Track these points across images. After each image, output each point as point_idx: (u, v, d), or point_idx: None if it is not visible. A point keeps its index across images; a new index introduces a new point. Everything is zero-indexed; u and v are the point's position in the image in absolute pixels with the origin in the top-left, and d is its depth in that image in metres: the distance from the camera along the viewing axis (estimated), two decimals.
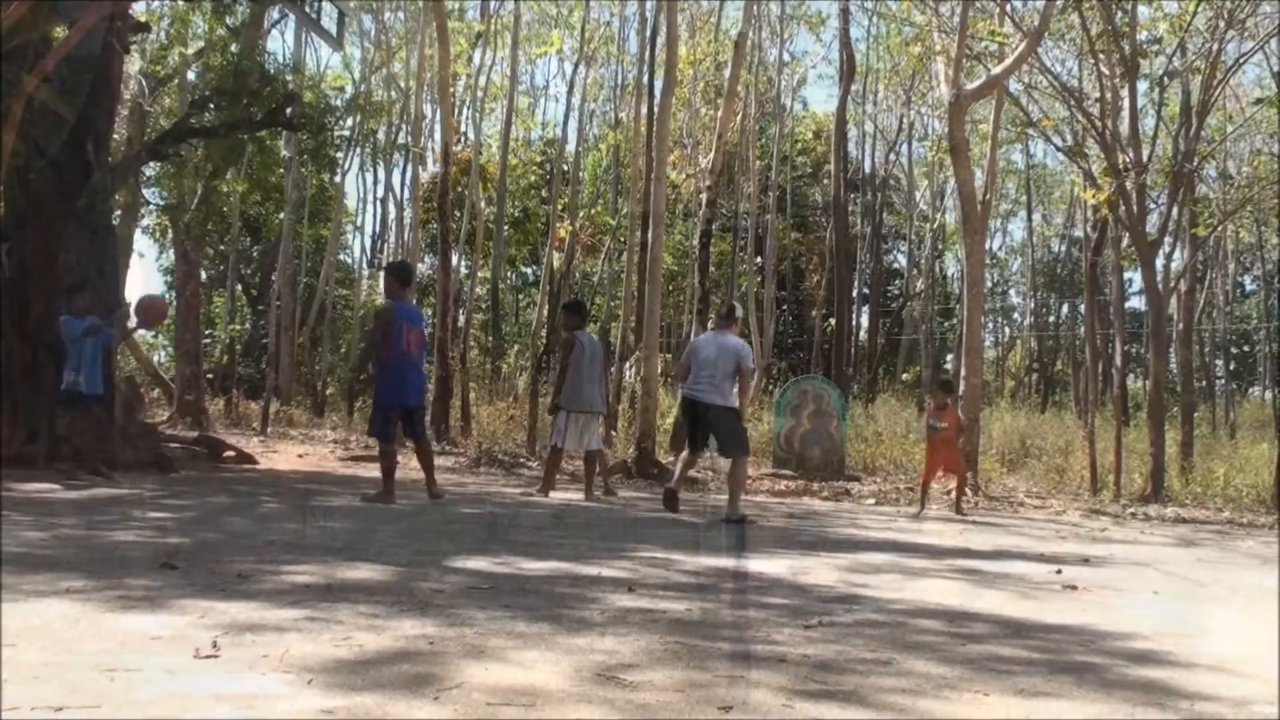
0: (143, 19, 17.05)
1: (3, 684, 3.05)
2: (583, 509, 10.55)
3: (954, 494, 13.13)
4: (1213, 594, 6.59)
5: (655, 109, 18.45)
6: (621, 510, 10.83)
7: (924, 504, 12.67)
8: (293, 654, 3.55)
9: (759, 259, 36.04)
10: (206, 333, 29.45)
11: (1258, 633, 5.09)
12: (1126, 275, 26.60)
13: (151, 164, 19.09)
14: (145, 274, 78.92)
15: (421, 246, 34.20)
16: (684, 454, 10.50)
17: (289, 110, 15.94)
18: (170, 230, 25.51)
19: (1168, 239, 19.77)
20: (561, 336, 12.43)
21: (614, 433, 21.38)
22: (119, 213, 20.29)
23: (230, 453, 15.06)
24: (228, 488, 10.88)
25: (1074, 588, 6.26)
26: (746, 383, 10.05)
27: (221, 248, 32.67)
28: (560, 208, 30.91)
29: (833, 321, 32.50)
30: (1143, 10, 17.90)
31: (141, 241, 30.02)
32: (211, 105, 16.34)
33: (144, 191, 21.78)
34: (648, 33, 25.39)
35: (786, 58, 37.38)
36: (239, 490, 10.56)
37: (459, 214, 28.89)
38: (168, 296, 27.77)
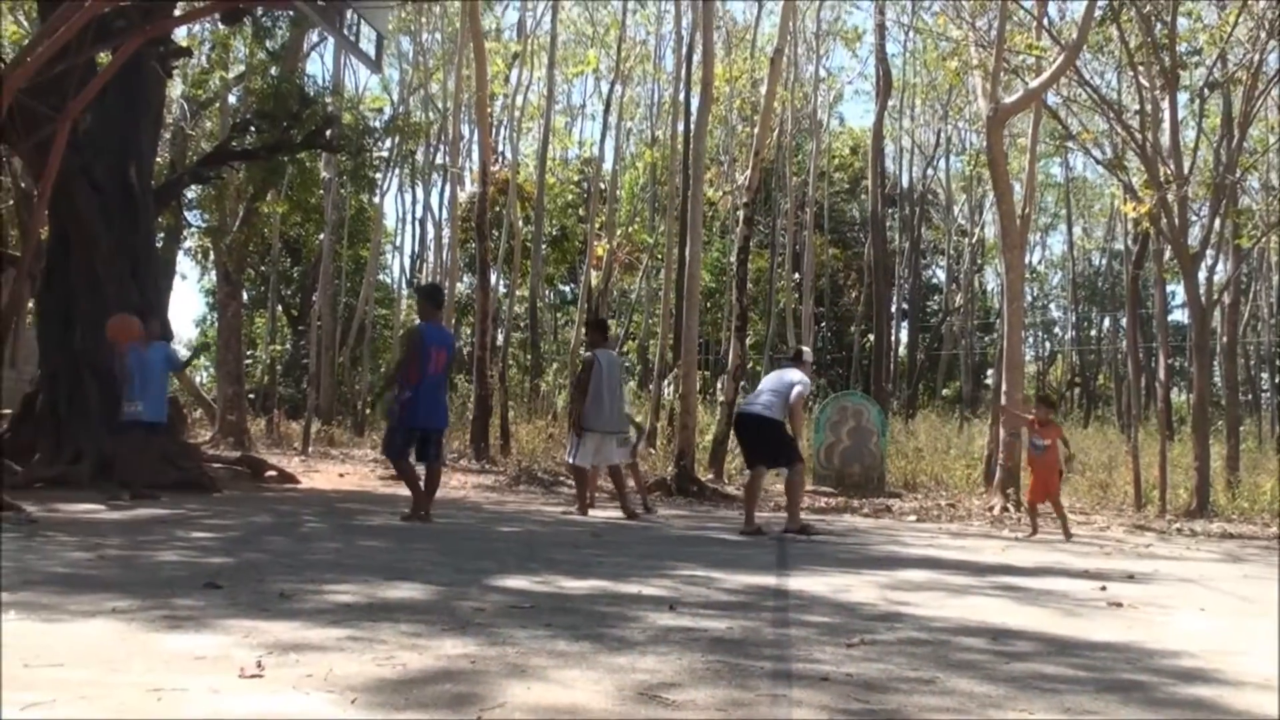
0: (184, 44, 17.31)
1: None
2: (621, 527, 10.55)
3: (1056, 519, 11.90)
4: (1260, 610, 6.50)
5: (692, 126, 18.50)
6: (661, 528, 10.82)
7: (1035, 527, 11.91)
8: (336, 673, 3.56)
9: (797, 275, 35.98)
10: (248, 353, 29.77)
11: None
12: (1169, 288, 26.44)
13: (193, 187, 19.32)
14: (188, 296, 79.65)
15: (460, 266, 34.42)
16: (748, 483, 10.79)
17: (328, 132, 16.10)
18: (212, 252, 25.75)
19: (1210, 251, 19.58)
20: (583, 355, 12.41)
21: (653, 450, 21.39)
22: (162, 235, 20.52)
23: (272, 472, 15.18)
24: (270, 507, 10.96)
25: (1119, 605, 6.20)
26: (794, 411, 10.14)
27: (262, 269, 33.01)
28: (598, 226, 31.01)
29: (871, 337, 32.39)
30: (1182, 21, 17.78)
31: (184, 263, 30.33)
32: (252, 128, 16.55)
33: (186, 214, 22.02)
34: (684, 51, 25.51)
35: (823, 74, 37.43)
36: (281, 510, 10.64)
37: (497, 233, 29.06)
38: (210, 319, 27.94)
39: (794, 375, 10.31)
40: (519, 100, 33.43)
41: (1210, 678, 4.19)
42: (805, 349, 11.43)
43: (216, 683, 3.39)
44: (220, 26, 18.39)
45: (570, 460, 11.92)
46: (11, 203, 19.67)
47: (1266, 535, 13.57)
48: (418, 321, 10.74)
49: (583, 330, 27.98)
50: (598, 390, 11.55)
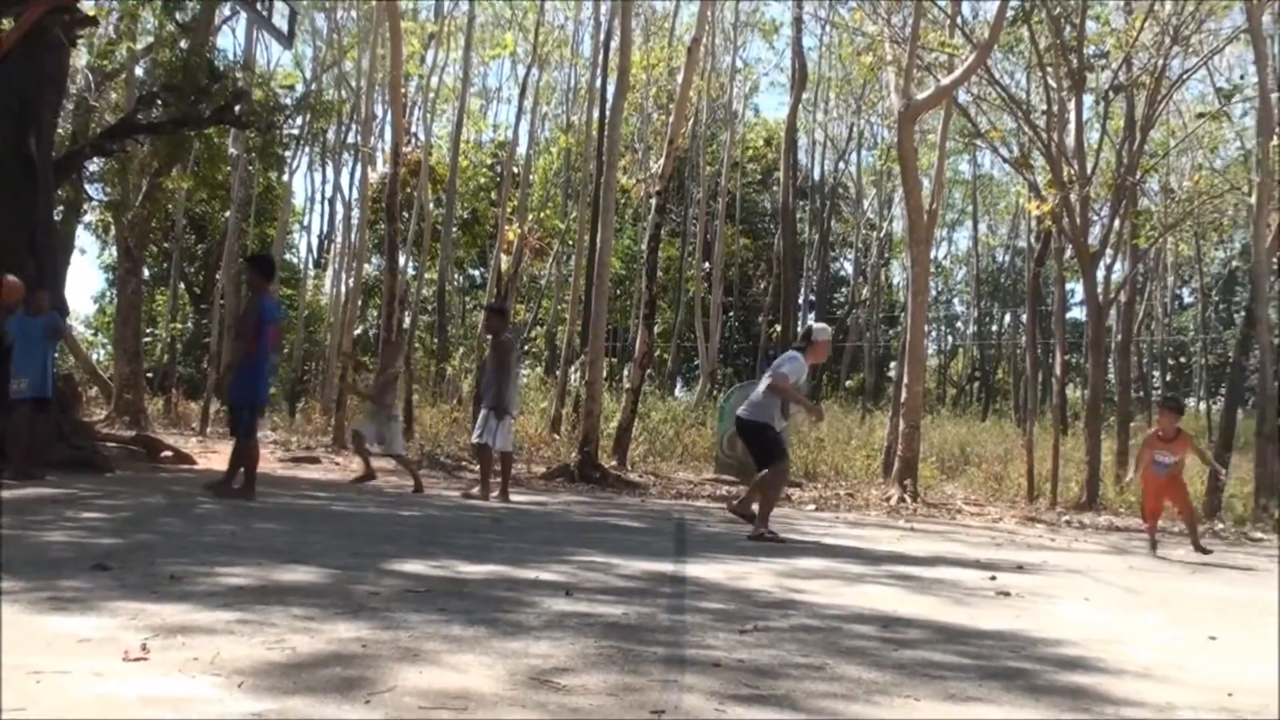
0: (91, 13, 16.85)
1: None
2: (523, 513, 10.54)
3: (1188, 533, 10.65)
4: (1143, 602, 6.68)
5: (607, 113, 18.46)
6: (563, 513, 10.82)
7: (1156, 548, 10.12)
8: (224, 656, 3.52)
9: (707, 264, 36.15)
10: (147, 331, 29.14)
11: (1185, 640, 5.17)
12: (1068, 286, 26.98)
13: (96, 159, 18.85)
14: (87, 271, 77.73)
15: (369, 247, 33.98)
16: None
17: (237, 108, 15.80)
18: (113, 227, 25.19)
19: (1109, 251, 20.04)
20: (499, 339, 12.07)
21: (557, 436, 21.39)
22: (61, 208, 20.02)
23: (168, 452, 14.89)
24: (164, 488, 10.76)
25: (1007, 594, 6.33)
26: (783, 395, 9.15)
27: (165, 245, 32.33)
28: (509, 210, 30.84)
29: (779, 328, 32.65)
30: (1091, 25, 18.16)
31: (83, 238, 29.65)
32: (159, 101, 16.18)
33: (87, 187, 21.49)
34: (602, 37, 25.48)
35: (739, 65, 37.57)
36: (176, 490, 10.45)
37: (407, 215, 28.78)
38: (109, 296, 27.37)
39: (780, 362, 9.55)
40: (434, 81, 33.10)
41: (1091, 666, 4.30)
42: (815, 326, 9.93)
43: (100, 665, 3.33)
44: None
45: (490, 444, 11.68)
46: None
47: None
48: (251, 294, 10.50)
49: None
50: (515, 373, 11.55)
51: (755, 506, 9.15)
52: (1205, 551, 10.10)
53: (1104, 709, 3.55)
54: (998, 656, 4.39)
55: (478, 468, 12.44)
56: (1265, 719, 3.60)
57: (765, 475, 9.08)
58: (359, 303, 28.56)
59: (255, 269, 10.60)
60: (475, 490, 11.86)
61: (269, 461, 16.01)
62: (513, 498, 11.91)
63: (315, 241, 42.42)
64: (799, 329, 35.37)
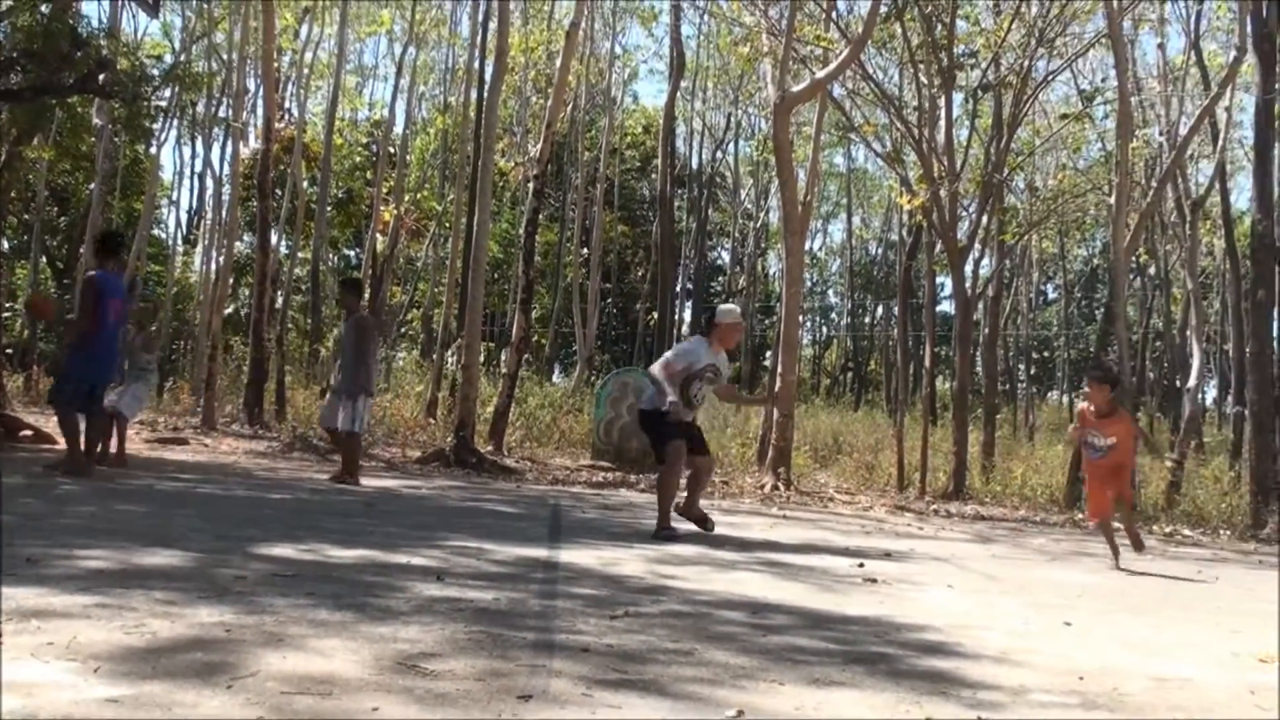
0: None
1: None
2: (396, 497, 10.43)
3: (1124, 528, 9.01)
4: (1003, 588, 6.87)
5: (485, 95, 18.31)
6: (437, 498, 10.74)
7: (1116, 553, 8.61)
8: (80, 641, 3.42)
9: (585, 250, 36.16)
10: (6, 305, 28.13)
11: (1041, 625, 5.34)
12: (939, 280, 27.57)
13: None
14: None
15: (241, 224, 33.26)
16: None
17: (101, 77, 15.30)
18: None
19: (977, 246, 20.52)
20: (358, 319, 11.69)
21: (433, 420, 21.20)
22: None
23: (27, 432, 14.39)
24: (22, 469, 10.41)
25: (874, 581, 6.46)
26: (660, 378, 8.42)
27: (26, 217, 31.24)
28: (385, 191, 30.43)
29: (656, 315, 32.81)
30: (961, 24, 18.55)
31: None
32: (18, 67, 15.58)
33: None
34: (480, 17, 25.23)
35: (618, 51, 37.62)
36: (34, 471, 10.11)
37: (280, 192, 28.21)
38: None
39: (676, 348, 9.04)
40: (308, 57, 32.44)
41: (951, 650, 4.42)
42: (720, 307, 9.01)
43: None
44: None
45: (352, 428, 11.40)
46: None
47: (1015, 517, 14.35)
48: (91, 272, 10.27)
49: (367, 296, 27.47)
50: (373, 353, 11.38)
51: (694, 504, 8.71)
52: (1141, 548, 8.84)
53: (961, 691, 3.65)
54: (862, 641, 4.49)
55: (342, 454, 12.04)
56: (1116, 708, 3.73)
57: (660, 472, 8.78)
58: (230, 281, 27.88)
59: (97, 244, 10.67)
60: (347, 478, 11.46)
61: (134, 442, 15.58)
62: (387, 482, 11.78)
63: (184, 217, 41.41)
64: (675, 316, 35.57)
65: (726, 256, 48.74)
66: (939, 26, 17.93)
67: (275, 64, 24.62)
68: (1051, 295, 51.27)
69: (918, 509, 14.47)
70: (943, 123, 18.56)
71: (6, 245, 29.18)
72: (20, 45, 16.41)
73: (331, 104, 28.84)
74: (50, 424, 16.41)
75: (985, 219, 19.48)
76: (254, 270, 21.84)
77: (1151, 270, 33.52)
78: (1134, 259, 19.21)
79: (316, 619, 4.05)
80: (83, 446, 9.73)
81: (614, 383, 18.91)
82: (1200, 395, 22.01)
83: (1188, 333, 23.05)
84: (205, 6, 30.63)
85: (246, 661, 3.32)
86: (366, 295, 12.34)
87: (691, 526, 8.59)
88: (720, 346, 8.72)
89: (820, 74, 17.14)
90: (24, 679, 2.99)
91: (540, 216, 21.36)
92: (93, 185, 27.85)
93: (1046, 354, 49.59)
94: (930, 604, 5.82)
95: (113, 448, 11.19)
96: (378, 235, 29.87)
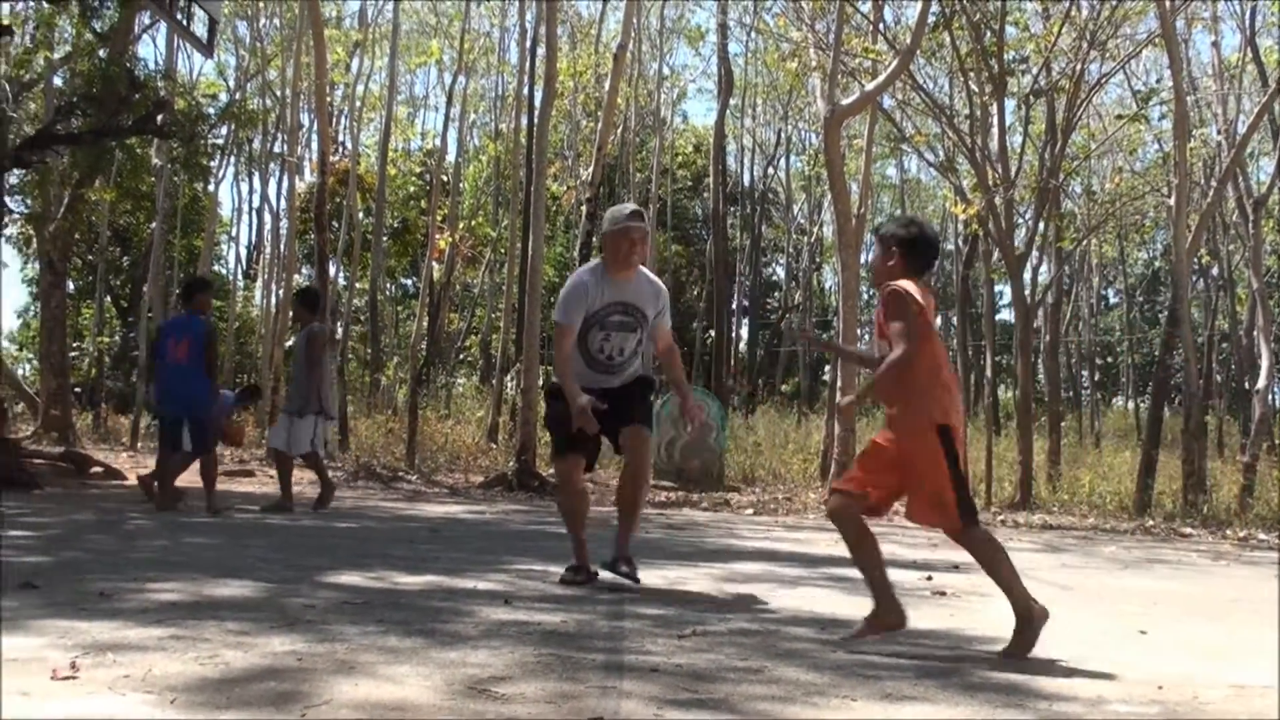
0: (5, 22, 16.55)
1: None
2: (459, 522, 10.48)
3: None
4: (1075, 598, 6.77)
5: (535, 120, 18.43)
6: (501, 523, 10.78)
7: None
8: (155, 673, 3.46)
9: None
10: (74, 345, 28.64)
11: (1116, 634, 5.25)
12: (997, 288, 27.32)
13: (15, 172, 18.50)
14: (10, 285, 76.30)
15: (298, 257, 33.67)
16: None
17: (159, 117, 15.59)
18: (35, 240, 24.75)
19: (1035, 253, 20.32)
20: (308, 329, 10.95)
21: (494, 445, 21.29)
22: None
23: (98, 468, 14.66)
24: (94, 504, 10.59)
25: (943, 593, 6.40)
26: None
27: (89, 258, 31.84)
28: (440, 219, 30.68)
29: (712, 333, 32.78)
30: (1010, 30, 18.42)
31: (5, 252, 29.15)
32: (78, 111, 15.92)
33: (7, 200, 21.09)
34: (528, 44, 25.42)
35: (666, 71, 37.68)
36: (105, 506, 10.28)
37: (337, 224, 28.57)
38: (33, 310, 26.93)
39: None
40: (360, 90, 32.86)
41: (1024, 662, 4.36)
42: (608, 212, 6.24)
43: (27, 685, 3.26)
44: (44, 5, 17.67)
45: (308, 449, 10.80)
46: None
47: (1084, 526, 14.16)
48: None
49: (424, 322, 27.68)
50: (328, 368, 10.84)
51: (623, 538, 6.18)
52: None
53: (1037, 703, 3.60)
54: (934, 655, 4.44)
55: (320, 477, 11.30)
56: (1198, 718, 3.66)
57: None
58: (290, 314, 28.26)
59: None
60: (320, 498, 10.96)
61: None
62: (450, 508, 11.83)
63: (244, 252, 41.92)
64: (732, 334, 35.49)
65: (781, 272, 48.62)
66: (988, 34, 17.83)
67: (328, 98, 24.93)
68: (1113, 300, 50.62)
69: (984, 520, 14.28)
70: (995, 130, 18.43)
71: (72, 286, 29.69)
72: (80, 90, 16.78)
73: (384, 135, 29.14)
74: (119, 460, 16.69)
75: (1042, 225, 19.30)
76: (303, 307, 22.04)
77: (1215, 271, 33.01)
78: (1196, 260, 18.95)
79: (387, 646, 4.07)
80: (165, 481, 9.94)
81: (673, 402, 18.86)
82: (1270, 396, 21.60)
83: (1255, 333, 22.64)
84: (258, 45, 31.12)
85: (319, 690, 3.34)
86: (320, 306, 11.87)
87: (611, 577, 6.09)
88: (621, 270, 5.95)
89: (870, 86, 17.09)
90: (102, 713, 3.03)
91: (594, 239, 21.41)
92: (154, 224, 28.32)
93: (1110, 360, 48.96)
94: (1001, 616, 5.71)
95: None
96: (434, 263, 30.08)
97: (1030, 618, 4.54)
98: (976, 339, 32.19)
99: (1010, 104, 19.36)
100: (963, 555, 8.96)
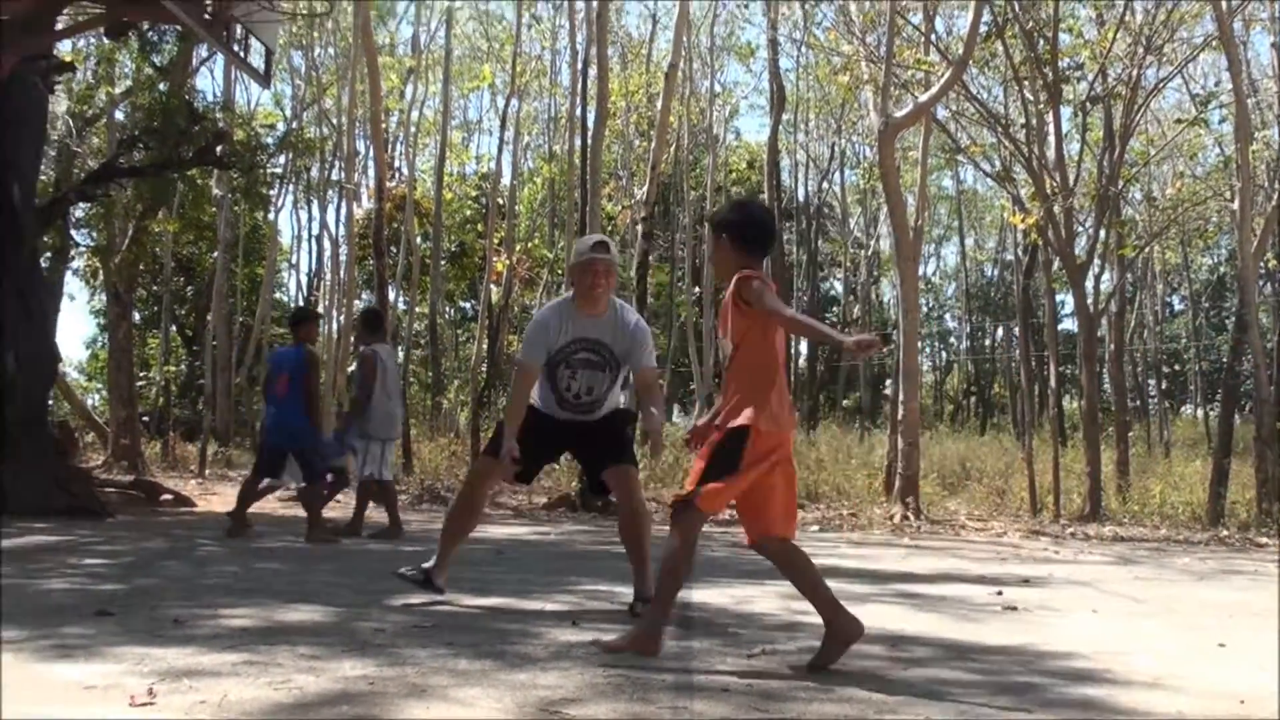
0: (68, 58, 16.89)
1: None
2: (524, 543, 10.50)
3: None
4: (1149, 611, 6.67)
5: (589, 141, 18.50)
6: (565, 543, 10.79)
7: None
8: (230, 699, 3.50)
9: (697, 289, 36.19)
10: (141, 375, 29.08)
11: (1194, 648, 5.16)
12: (1058, 297, 27.04)
13: (80, 205, 18.88)
14: (77, 317, 77.80)
15: (358, 283, 34.01)
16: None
17: (219, 149, 15.83)
18: (101, 272, 25.19)
19: (1096, 261, 20.06)
20: (360, 352, 11.05)
21: (557, 465, 21.31)
22: (48, 256, 20.02)
23: (167, 496, 14.85)
24: (165, 531, 10.72)
25: (1014, 608, 6.32)
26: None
27: (154, 289, 32.34)
28: (497, 241, 30.89)
29: None
30: (1064, 38, 18.25)
31: (72, 284, 29.69)
32: (140, 145, 16.21)
33: (73, 233, 21.53)
34: (579, 65, 25.52)
35: (718, 89, 37.69)
36: (176, 534, 10.40)
37: (395, 250, 28.81)
38: (100, 341, 27.33)
39: None
40: (414, 115, 33.22)
41: (1100, 678, 4.29)
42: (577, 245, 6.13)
43: (106, 712, 3.32)
44: (105, 41, 18.01)
45: (375, 475, 10.71)
46: None
47: (1156, 537, 13.94)
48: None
49: (484, 344, 27.83)
50: (384, 390, 10.67)
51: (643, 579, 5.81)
52: None
53: None
54: (1007, 671, 4.38)
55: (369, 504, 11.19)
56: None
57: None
58: (352, 338, 28.53)
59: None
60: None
61: (268, 501, 15.95)
62: (515, 529, 11.86)
63: (304, 279, 42.41)
64: (791, 350, 35.35)
65: (839, 286, 48.39)
66: (1041, 42, 17.67)
67: (383, 125, 25.20)
68: (1178, 306, 49.85)
69: (1053, 533, 14.13)
70: (1052, 138, 18.24)
71: (138, 317, 30.18)
72: (141, 123, 17.09)
73: (439, 160, 29.41)
74: (187, 488, 16.91)
75: (1103, 233, 19.06)
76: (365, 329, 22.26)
77: None
78: (1263, 264, 18.62)
79: (457, 669, 4.08)
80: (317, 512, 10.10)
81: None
82: None
83: None
84: (314, 74, 31.54)
85: (391, 713, 3.36)
86: (381, 331, 11.67)
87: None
88: (588, 305, 5.77)
89: (923, 98, 17.00)
90: None
91: (650, 258, 21.43)
92: (216, 254, 28.76)
93: (1177, 367, 48.20)
94: (1074, 630, 5.67)
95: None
96: (492, 286, 30.28)
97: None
98: (1039, 349, 31.83)
99: (1066, 111, 19.16)
100: (1032, 569, 8.88)
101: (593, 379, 5.82)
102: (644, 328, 5.98)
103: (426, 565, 5.97)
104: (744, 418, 4.32)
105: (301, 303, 40.24)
